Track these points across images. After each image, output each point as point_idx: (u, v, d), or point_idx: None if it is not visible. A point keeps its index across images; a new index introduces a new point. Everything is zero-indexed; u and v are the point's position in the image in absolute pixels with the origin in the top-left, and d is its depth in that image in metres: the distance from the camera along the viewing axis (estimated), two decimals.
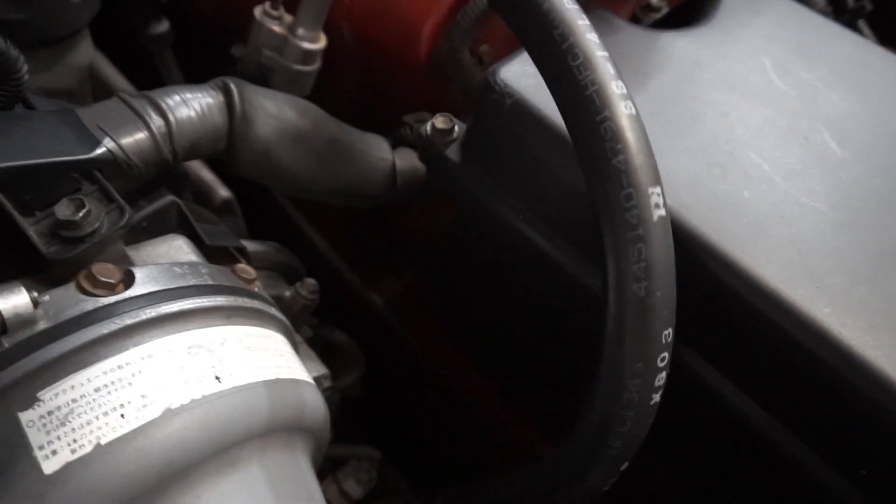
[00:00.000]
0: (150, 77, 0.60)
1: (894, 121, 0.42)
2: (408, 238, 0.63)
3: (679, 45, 0.45)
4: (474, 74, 0.52)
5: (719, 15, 0.47)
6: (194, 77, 0.50)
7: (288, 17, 0.54)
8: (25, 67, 0.37)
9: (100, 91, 0.53)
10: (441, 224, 0.57)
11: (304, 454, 0.37)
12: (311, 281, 0.52)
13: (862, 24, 0.60)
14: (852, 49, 0.46)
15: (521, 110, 0.41)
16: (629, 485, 0.37)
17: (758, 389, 0.36)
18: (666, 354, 0.32)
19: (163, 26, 0.56)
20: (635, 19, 0.57)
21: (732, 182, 0.38)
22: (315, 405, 0.38)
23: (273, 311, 0.38)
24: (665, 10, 0.56)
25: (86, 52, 0.47)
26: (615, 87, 0.31)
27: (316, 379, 0.43)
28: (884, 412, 0.32)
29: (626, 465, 0.35)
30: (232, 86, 0.41)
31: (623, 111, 0.31)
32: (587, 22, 0.32)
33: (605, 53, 0.32)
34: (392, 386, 0.73)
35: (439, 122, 0.48)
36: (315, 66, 0.55)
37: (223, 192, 0.55)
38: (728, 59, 0.44)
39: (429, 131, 0.48)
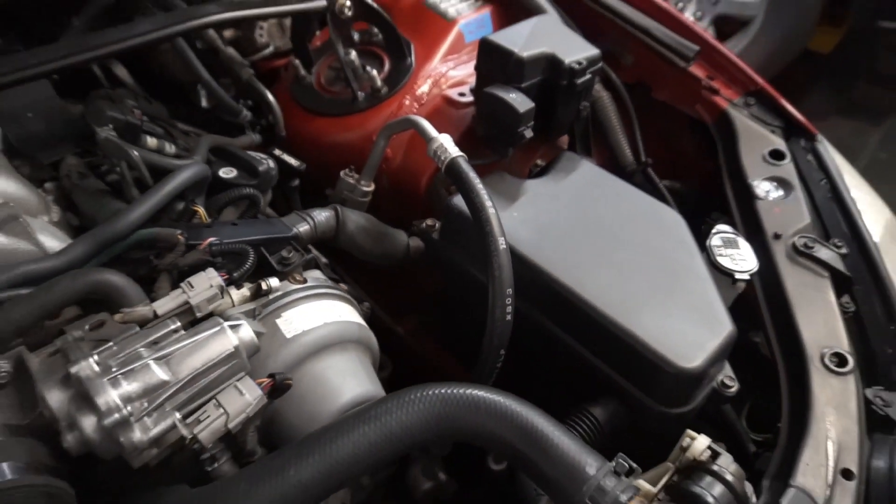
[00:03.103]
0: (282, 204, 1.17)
1: (627, 224, 0.95)
2: (417, 285, 1.16)
3: (537, 186, 1.00)
4: (445, 200, 1.07)
5: (555, 170, 1.02)
6: (307, 203, 1.06)
7: (356, 175, 1.10)
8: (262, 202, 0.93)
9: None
10: (433, 275, 1.10)
11: (368, 357, 0.88)
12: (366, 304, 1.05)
13: (650, 171, 1.15)
14: (615, 188, 1.00)
15: (461, 219, 0.95)
16: (504, 375, 0.86)
17: (554, 318, 0.87)
18: (510, 297, 0.83)
19: (295, 182, 1.14)
20: (530, 172, 1.12)
21: (552, 241, 0.91)
22: (372, 339, 0.89)
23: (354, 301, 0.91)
24: (541, 166, 1.11)
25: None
26: (498, 234, 0.84)
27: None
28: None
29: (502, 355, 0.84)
30: (339, 208, 0.97)
31: (500, 245, 0.84)
32: (491, 204, 0.86)
33: (495, 212, 0.85)
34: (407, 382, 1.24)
35: (429, 222, 1.03)
36: (369, 198, 1.10)
37: (322, 258, 1.09)
38: (558, 192, 0.98)
39: (423, 226, 1.03)
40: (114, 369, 0.63)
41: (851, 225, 0.97)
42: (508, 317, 0.83)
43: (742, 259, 0.94)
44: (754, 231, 0.99)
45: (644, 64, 1.20)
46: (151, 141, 0.96)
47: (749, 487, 0.71)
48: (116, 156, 0.86)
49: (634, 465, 0.69)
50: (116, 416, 0.61)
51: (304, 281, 0.86)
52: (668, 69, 1.17)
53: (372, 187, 1.08)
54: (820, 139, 1.08)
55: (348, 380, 0.82)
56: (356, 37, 1.23)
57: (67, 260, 0.73)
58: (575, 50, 1.05)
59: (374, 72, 1.16)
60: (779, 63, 3.06)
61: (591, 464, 0.66)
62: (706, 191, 1.16)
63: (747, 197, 1.02)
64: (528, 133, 1.01)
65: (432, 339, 1.16)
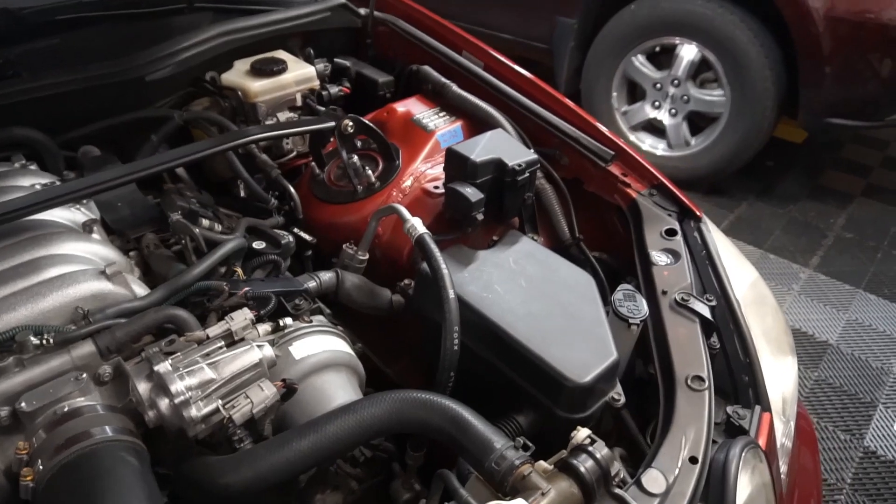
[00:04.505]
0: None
1: (547, 282, 1.28)
2: (402, 333, 1.48)
3: (486, 255, 1.34)
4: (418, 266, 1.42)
5: (501, 243, 1.37)
6: (318, 268, 1.41)
7: (355, 248, 1.45)
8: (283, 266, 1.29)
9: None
10: (412, 324, 1.43)
11: (355, 378, 1.20)
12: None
13: (583, 245, 1.49)
14: (543, 257, 1.34)
15: (427, 280, 1.29)
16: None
17: (489, 348, 1.18)
18: (457, 332, 1.15)
19: (308, 252, 1.50)
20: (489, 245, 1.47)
21: (491, 293, 1.24)
22: (359, 366, 1.21)
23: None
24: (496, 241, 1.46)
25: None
26: (448, 287, 1.18)
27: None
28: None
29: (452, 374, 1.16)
30: (339, 271, 1.32)
31: (450, 295, 1.17)
32: (445, 266, 1.20)
33: (447, 273, 1.19)
34: None
35: (406, 281, 1.37)
36: (364, 265, 1.45)
37: (326, 309, 1.44)
38: (500, 259, 1.33)
39: (403, 285, 1.37)
40: (180, 369, 0.96)
41: (720, 283, 1.29)
42: (455, 347, 1.15)
43: (637, 309, 1.26)
44: (650, 289, 1.31)
45: (576, 164, 1.57)
46: (205, 222, 1.33)
47: (618, 466, 1.00)
48: (183, 233, 1.24)
49: (531, 445, 0.98)
50: (182, 398, 0.94)
51: (311, 322, 1.20)
52: (593, 168, 1.54)
53: (366, 257, 1.42)
54: (704, 220, 1.42)
55: (339, 391, 1.14)
56: (358, 144, 1.62)
57: (150, 301, 1.08)
58: (517, 155, 1.42)
59: (370, 171, 1.54)
60: (747, 151, 3.45)
61: (498, 441, 0.96)
62: (625, 260, 1.49)
63: (646, 263, 1.35)
64: (480, 217, 1.37)
65: (420, 377, 1.47)
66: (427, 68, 1.78)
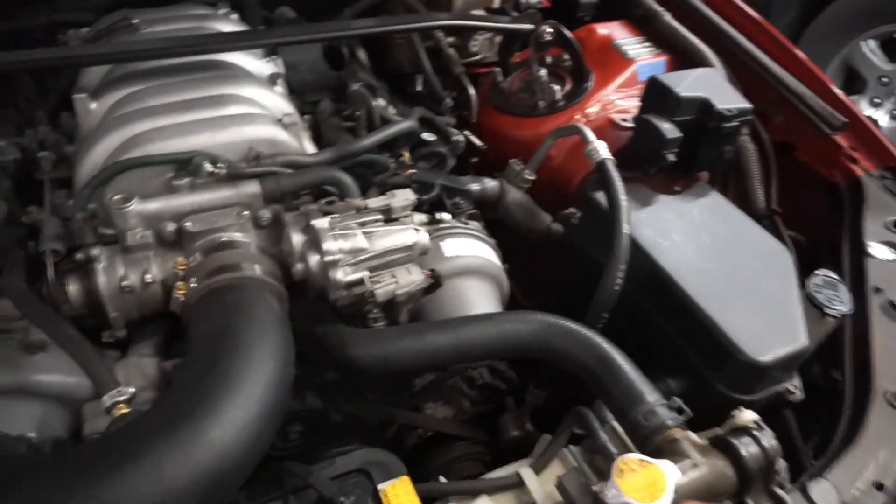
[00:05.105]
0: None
1: (735, 245, 1.11)
2: (544, 267, 1.38)
3: (667, 200, 1.19)
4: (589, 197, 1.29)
5: (687, 192, 1.21)
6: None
7: (523, 165, 1.35)
8: None
9: None
10: (559, 258, 1.32)
11: (499, 292, 1.12)
12: None
13: (778, 219, 1.29)
14: (734, 217, 1.17)
15: (598, 211, 1.16)
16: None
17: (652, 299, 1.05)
18: (622, 272, 1.03)
19: (474, 159, 1.42)
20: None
21: (667, 241, 1.10)
22: (505, 281, 1.13)
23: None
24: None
25: None
26: (624, 221, 1.05)
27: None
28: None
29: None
30: (503, 181, 1.23)
31: (624, 230, 1.04)
32: (625, 198, 1.07)
33: (626, 205, 1.06)
34: None
35: (572, 210, 1.25)
36: (528, 185, 1.34)
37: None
38: (684, 209, 1.17)
39: (566, 213, 1.26)
40: (336, 230, 0.93)
41: None
42: (616, 287, 1.03)
43: (838, 300, 1.06)
44: (858, 283, 1.11)
45: (793, 125, 1.35)
46: (382, 101, 1.29)
47: (783, 464, 0.85)
48: (360, 104, 1.20)
49: (687, 410, 0.86)
50: (331, 258, 0.90)
51: (467, 224, 1.12)
52: (815, 133, 1.31)
53: (533, 177, 1.32)
54: None
55: (482, 300, 1.06)
56: (548, 59, 1.50)
57: (319, 160, 1.06)
58: (728, 100, 1.23)
59: (557, 87, 1.42)
60: None
61: (650, 394, 0.85)
62: (824, 248, 1.27)
63: (859, 253, 1.14)
64: (671, 157, 1.21)
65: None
66: None
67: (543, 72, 1.44)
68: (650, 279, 1.06)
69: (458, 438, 1.17)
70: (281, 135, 1.05)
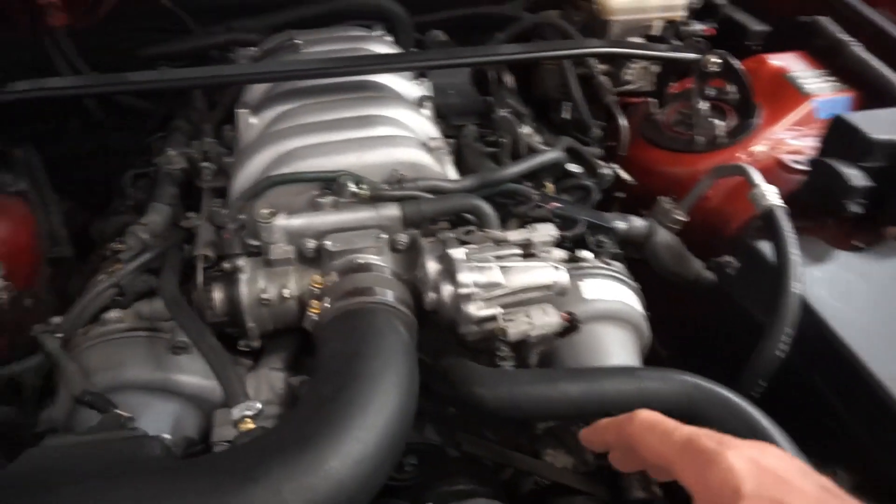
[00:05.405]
0: None
1: None
2: (689, 310, 1.26)
3: (848, 258, 1.03)
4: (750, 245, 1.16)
5: (874, 252, 1.04)
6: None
7: (674, 204, 1.24)
8: None
9: None
10: (701, 306, 1.19)
11: (640, 343, 1.02)
12: None
13: None
14: None
15: (762, 263, 1.03)
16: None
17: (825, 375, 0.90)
18: (789, 336, 0.90)
19: (620, 193, 1.34)
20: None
21: (849, 307, 0.95)
22: (646, 330, 1.03)
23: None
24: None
25: None
26: (796, 278, 0.92)
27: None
28: None
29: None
30: (653, 221, 1.13)
31: (795, 288, 0.91)
32: (797, 252, 0.94)
33: (798, 260, 0.93)
34: None
35: (728, 258, 1.13)
36: (679, 227, 1.23)
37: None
38: (872, 270, 1.01)
39: (722, 261, 1.13)
40: (472, 262, 0.89)
41: None
42: (779, 353, 0.90)
43: None
44: None
45: None
46: (528, 129, 1.25)
47: None
48: (506, 131, 1.16)
49: None
50: (464, 290, 0.86)
51: (610, 264, 1.04)
52: None
53: (685, 218, 1.21)
54: None
55: (620, 349, 0.98)
56: (711, 92, 1.38)
57: (461, 186, 1.03)
58: None
59: (719, 122, 1.30)
60: None
61: None
62: None
63: None
64: (855, 209, 1.06)
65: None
66: (825, 20, 1.44)
67: (705, 105, 1.33)
68: (823, 350, 0.91)
69: (578, 492, 1.08)
70: (425, 158, 1.03)
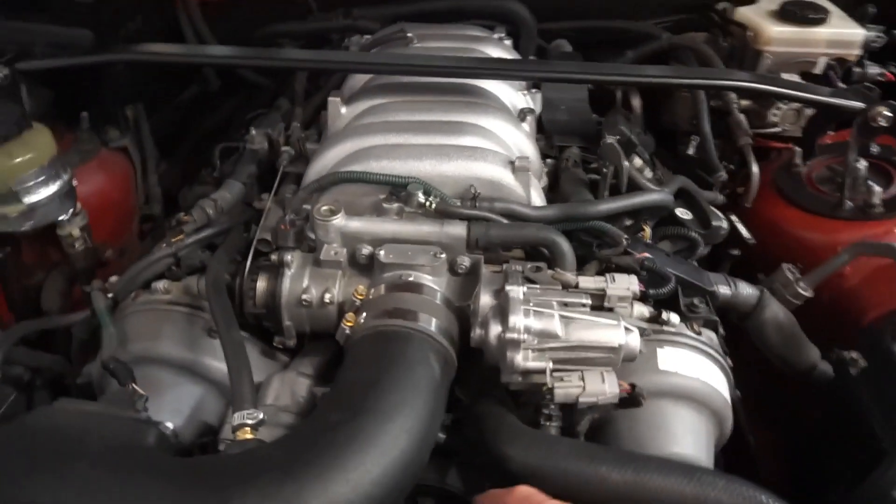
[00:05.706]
0: None
1: None
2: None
3: None
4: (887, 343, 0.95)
5: None
6: (734, 275, 1.05)
7: (799, 275, 1.04)
8: None
9: None
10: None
11: (715, 432, 0.86)
12: None
13: None
14: None
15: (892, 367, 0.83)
16: None
17: None
18: None
19: (735, 251, 1.15)
20: None
21: None
22: (728, 420, 0.87)
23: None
24: None
25: None
26: None
27: None
28: None
29: None
30: (766, 291, 0.95)
31: None
32: None
33: None
34: None
35: (854, 355, 0.93)
36: (800, 302, 1.03)
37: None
38: None
39: (847, 357, 0.93)
40: (530, 304, 0.78)
41: None
42: None
43: None
44: None
45: None
46: (637, 161, 1.10)
47: None
48: (610, 160, 1.03)
49: None
50: (515, 335, 0.76)
51: (699, 334, 0.89)
52: None
53: (809, 294, 1.02)
54: None
55: (689, 437, 0.83)
56: (873, 149, 1.15)
57: (540, 215, 0.92)
58: None
59: (877, 188, 1.08)
60: None
61: None
62: None
63: None
64: None
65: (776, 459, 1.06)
66: None
67: (863, 164, 1.12)
68: None
69: None
70: (507, 178, 0.93)
